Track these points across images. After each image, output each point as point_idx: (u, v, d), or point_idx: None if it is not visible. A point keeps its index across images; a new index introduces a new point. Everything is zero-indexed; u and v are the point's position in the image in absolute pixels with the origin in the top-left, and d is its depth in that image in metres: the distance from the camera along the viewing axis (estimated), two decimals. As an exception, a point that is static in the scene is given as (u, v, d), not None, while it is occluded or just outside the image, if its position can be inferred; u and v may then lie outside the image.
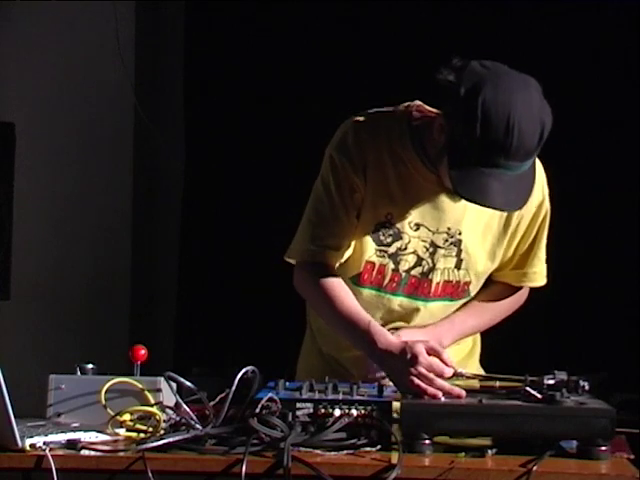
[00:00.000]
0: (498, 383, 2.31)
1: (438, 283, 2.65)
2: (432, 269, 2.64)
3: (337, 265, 2.62)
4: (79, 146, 4.84)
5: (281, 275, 2.80)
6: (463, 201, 2.48)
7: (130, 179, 5.01)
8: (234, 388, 2.29)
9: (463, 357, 2.79)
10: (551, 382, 2.24)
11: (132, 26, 4.98)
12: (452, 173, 2.39)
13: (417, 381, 2.29)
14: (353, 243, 2.64)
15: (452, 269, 2.65)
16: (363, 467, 2.04)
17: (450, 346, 2.65)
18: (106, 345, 4.47)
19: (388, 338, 2.43)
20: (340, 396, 2.22)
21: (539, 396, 2.15)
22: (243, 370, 2.33)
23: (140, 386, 2.34)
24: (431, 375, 2.29)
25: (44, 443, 2.11)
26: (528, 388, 2.19)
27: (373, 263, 2.63)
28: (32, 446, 2.11)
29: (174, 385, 2.33)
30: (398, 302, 2.65)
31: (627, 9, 4.25)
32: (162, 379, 2.34)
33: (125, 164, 5.00)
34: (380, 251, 2.62)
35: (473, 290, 2.71)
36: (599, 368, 2.36)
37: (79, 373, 2.43)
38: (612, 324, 4.22)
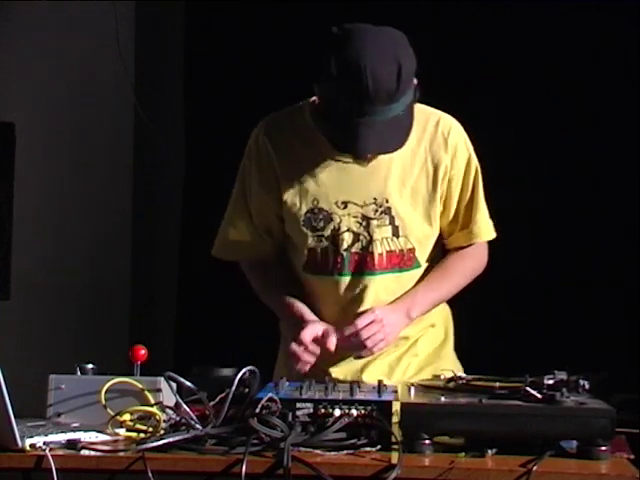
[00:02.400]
0: (498, 383, 2.30)
1: (381, 254, 2.70)
2: (370, 242, 2.69)
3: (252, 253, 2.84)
4: (79, 146, 4.83)
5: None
6: (381, 169, 2.62)
7: (130, 179, 5.02)
8: (234, 388, 2.29)
9: (436, 347, 2.84)
10: (551, 382, 2.24)
11: (132, 26, 4.98)
12: (327, 132, 2.53)
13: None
14: (292, 235, 2.73)
15: (390, 238, 2.70)
16: (363, 467, 2.04)
17: (423, 334, 2.78)
18: (106, 345, 4.47)
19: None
20: (340, 396, 2.22)
21: (539, 396, 2.15)
22: (243, 370, 2.33)
23: (140, 386, 2.35)
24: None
25: (44, 443, 2.11)
26: (528, 388, 2.19)
27: (314, 249, 2.69)
28: (32, 446, 2.10)
29: (174, 385, 2.33)
30: (347, 282, 2.69)
31: (627, 9, 4.25)
32: (162, 379, 2.34)
33: (125, 164, 5.00)
34: (317, 237, 2.69)
35: (421, 257, 2.74)
36: (599, 368, 2.36)
37: (79, 373, 2.43)
38: (612, 324, 4.22)
